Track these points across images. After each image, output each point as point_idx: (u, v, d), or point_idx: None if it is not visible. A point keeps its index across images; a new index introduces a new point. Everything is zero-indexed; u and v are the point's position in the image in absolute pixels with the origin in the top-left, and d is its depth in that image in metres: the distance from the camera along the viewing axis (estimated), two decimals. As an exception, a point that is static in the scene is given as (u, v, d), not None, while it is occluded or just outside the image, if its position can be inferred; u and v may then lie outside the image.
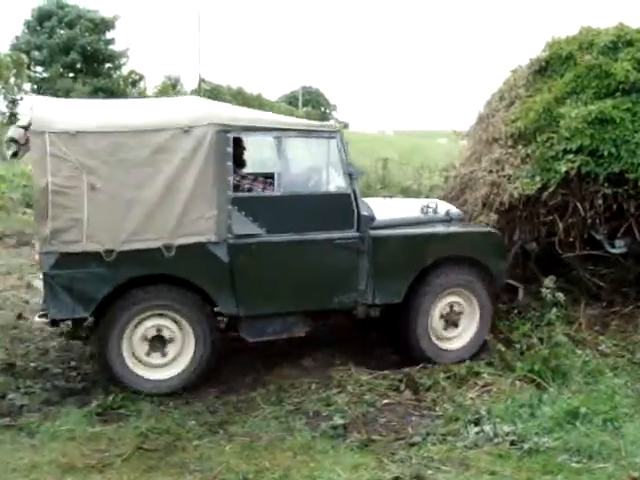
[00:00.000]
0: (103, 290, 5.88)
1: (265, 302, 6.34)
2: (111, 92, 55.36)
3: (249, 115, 6.79)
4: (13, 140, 6.18)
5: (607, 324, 7.57)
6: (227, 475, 4.68)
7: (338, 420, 5.48)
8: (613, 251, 7.82)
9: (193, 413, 5.74)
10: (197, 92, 62.58)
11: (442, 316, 6.93)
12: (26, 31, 56.37)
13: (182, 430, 5.39)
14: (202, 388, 6.26)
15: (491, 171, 8.20)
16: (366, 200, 6.89)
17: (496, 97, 9.20)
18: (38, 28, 55.35)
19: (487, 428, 5.25)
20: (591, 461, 4.78)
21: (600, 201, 7.53)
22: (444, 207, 7.44)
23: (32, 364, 6.83)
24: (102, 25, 56.41)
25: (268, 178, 6.50)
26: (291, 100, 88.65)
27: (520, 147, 8.04)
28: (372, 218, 6.56)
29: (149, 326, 6.10)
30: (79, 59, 55.36)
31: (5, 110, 53.07)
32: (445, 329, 6.96)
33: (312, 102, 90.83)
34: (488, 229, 7.40)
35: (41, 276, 5.97)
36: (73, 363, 6.89)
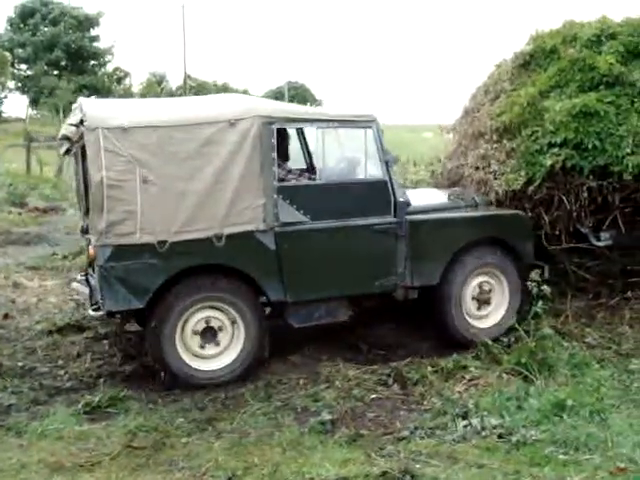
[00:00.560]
0: (157, 281, 6.04)
1: (311, 288, 6.56)
2: (96, 89, 55.16)
3: (291, 108, 7.22)
4: (66, 138, 6.39)
5: (593, 316, 7.61)
6: (216, 472, 4.67)
7: (326, 415, 5.47)
8: (598, 244, 7.86)
9: (181, 410, 5.72)
10: (183, 88, 62.50)
11: (474, 296, 7.19)
12: (9, 28, 56.01)
13: (170, 427, 5.38)
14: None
15: (477, 167, 8.22)
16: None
17: (481, 91, 9.21)
18: (21, 25, 55.03)
19: (475, 421, 5.26)
20: (578, 453, 4.79)
21: (585, 194, 7.56)
22: (470, 194, 7.77)
23: (19, 363, 6.83)
24: (86, 22, 56.13)
25: (309, 169, 6.82)
26: (277, 95, 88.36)
27: (505, 141, 8.06)
28: (408, 203, 6.83)
29: (200, 318, 6.26)
30: (63, 56, 55.09)
31: (-10, 108, 52.80)
32: (477, 308, 7.21)
33: (298, 97, 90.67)
34: (516, 212, 7.58)
35: (95, 270, 6.12)
36: (60, 362, 6.89)
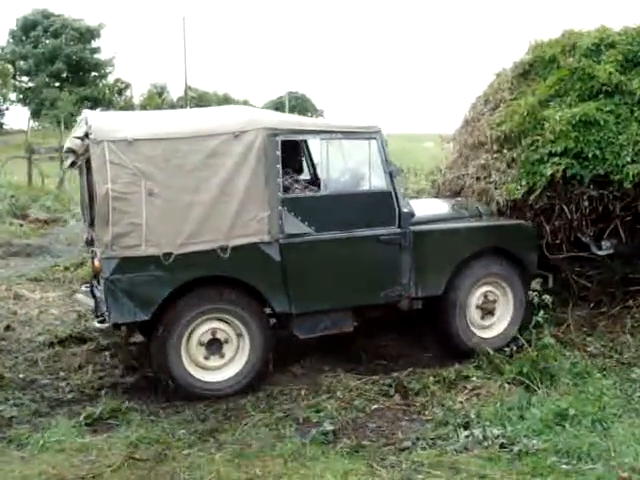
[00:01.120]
0: (162, 293, 6.05)
1: (317, 299, 6.57)
2: (97, 101, 55.30)
3: (295, 119, 7.15)
4: (71, 150, 6.41)
5: (595, 325, 7.61)
6: (218, 483, 4.67)
7: (328, 426, 5.46)
8: (599, 252, 7.86)
9: (183, 422, 5.72)
10: (183, 99, 62.64)
11: (478, 306, 7.22)
12: (11, 41, 56.22)
13: (172, 439, 5.37)
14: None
15: (478, 178, 8.23)
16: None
17: (481, 100, 9.23)
18: (23, 38, 55.24)
19: (476, 431, 5.25)
20: (580, 462, 4.78)
21: (586, 203, 7.57)
22: (474, 204, 7.81)
23: (21, 375, 6.83)
24: (87, 34, 56.33)
25: (314, 180, 6.89)
26: (278, 106, 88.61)
27: (505, 151, 8.08)
28: (412, 214, 6.83)
29: (205, 329, 6.28)
30: (65, 68, 55.26)
31: (-9, 120, 52.92)
32: (482, 318, 7.24)
33: (299, 107, 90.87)
34: (520, 222, 7.61)
35: (100, 282, 6.14)
36: (62, 374, 6.89)
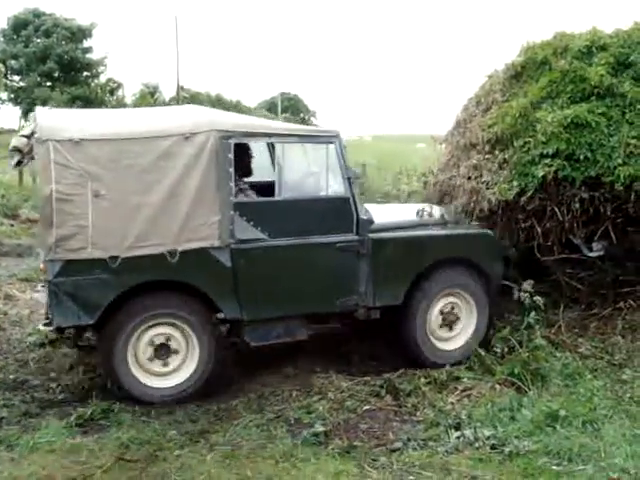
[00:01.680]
0: (108, 297, 5.92)
1: (269, 306, 6.42)
2: (88, 100, 55.12)
3: (250, 121, 6.95)
4: (17, 149, 6.30)
5: (586, 326, 7.62)
6: (208, 484, 4.66)
7: (319, 427, 5.47)
8: (590, 254, 7.88)
9: (174, 422, 5.71)
10: (176, 99, 62.51)
11: (440, 317, 7.06)
12: (2, 40, 55.99)
13: (163, 440, 5.36)
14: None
15: (470, 177, 8.24)
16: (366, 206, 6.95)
17: (473, 102, 9.24)
18: (14, 37, 55.04)
19: (468, 432, 5.27)
20: (571, 463, 4.81)
21: (577, 205, 7.58)
22: (439, 210, 7.64)
23: (11, 376, 6.80)
24: (79, 33, 56.14)
25: (269, 185, 6.58)
26: (270, 106, 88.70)
27: (497, 152, 8.08)
28: (371, 221, 6.65)
29: (153, 334, 6.15)
30: (56, 68, 55.08)
31: (-18, 119, 52.62)
32: (443, 330, 7.08)
33: (291, 108, 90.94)
34: (484, 231, 7.50)
35: (45, 285, 6.04)
36: (53, 374, 6.85)
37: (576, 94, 7.86)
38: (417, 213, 7.47)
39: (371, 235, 6.65)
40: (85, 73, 58.22)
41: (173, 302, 6.17)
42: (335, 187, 6.60)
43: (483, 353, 6.72)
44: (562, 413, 5.39)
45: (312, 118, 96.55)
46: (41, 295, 7.16)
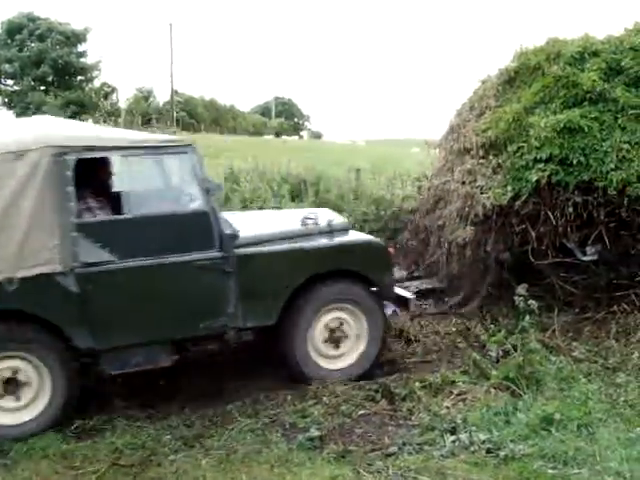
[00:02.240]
0: None
1: (124, 333, 5.91)
2: (82, 105, 55.10)
3: (91, 134, 6.41)
4: None
5: (580, 330, 7.63)
6: (204, 489, 4.66)
7: (314, 432, 5.46)
8: (584, 258, 7.90)
9: (168, 427, 5.69)
10: (170, 104, 62.56)
11: (325, 335, 6.60)
12: (-4, 44, 55.94)
13: (157, 445, 5.35)
14: (177, 401, 6.24)
15: (464, 182, 8.27)
16: (246, 214, 6.91)
17: (466, 107, 9.28)
18: (9, 41, 55.02)
19: (463, 436, 5.26)
20: (566, 467, 4.80)
21: (570, 209, 7.61)
22: (326, 217, 6.98)
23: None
24: (73, 38, 56.19)
25: (116, 202, 6.06)
26: (264, 111, 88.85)
27: (491, 157, 8.12)
28: (235, 236, 6.13)
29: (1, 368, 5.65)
30: (50, 72, 55.11)
31: (-25, 124, 52.69)
32: (330, 348, 6.63)
33: (285, 113, 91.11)
34: (369, 239, 7.04)
35: None
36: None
37: (569, 99, 7.92)
38: (302, 221, 6.81)
39: (237, 251, 6.14)
40: (79, 77, 58.28)
41: (17, 334, 5.64)
42: (192, 201, 6.14)
43: (478, 357, 6.71)
44: (557, 417, 5.39)
45: (306, 122, 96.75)
46: None
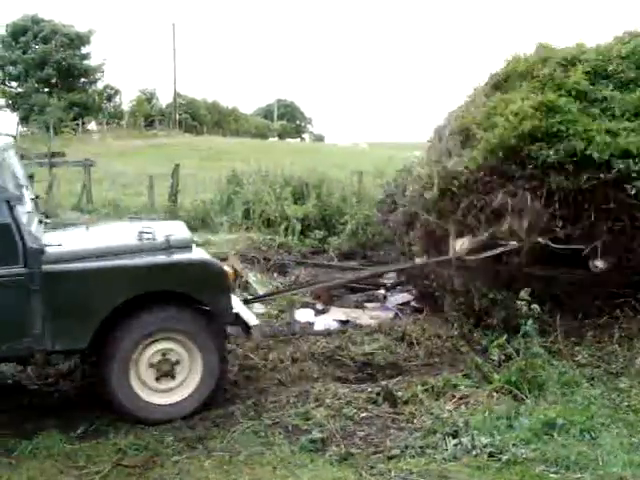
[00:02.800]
0: None
1: None
2: (86, 107, 55.23)
3: None
4: None
5: (583, 335, 7.62)
6: (207, 490, 4.67)
7: (317, 434, 5.47)
8: (596, 270, 7.81)
9: (171, 429, 5.69)
10: (173, 106, 62.62)
11: (152, 365, 5.90)
12: (0, 46, 56.12)
13: (161, 446, 5.36)
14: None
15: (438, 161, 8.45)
16: (84, 228, 6.77)
17: (457, 111, 9.23)
18: (13, 43, 55.16)
19: (465, 440, 5.26)
20: (569, 471, 4.81)
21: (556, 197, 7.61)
22: (166, 232, 6.23)
23: (9, 381, 6.78)
24: (77, 40, 56.33)
25: None
26: (267, 113, 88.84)
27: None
28: (40, 251, 5.56)
29: None
30: (54, 74, 55.26)
31: (-21, 125, 52.74)
32: (158, 380, 5.93)
33: (287, 115, 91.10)
34: (203, 259, 6.23)
35: None
36: (50, 380, 6.84)
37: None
38: (138, 236, 6.12)
39: (45, 267, 5.55)
40: (83, 79, 58.42)
41: None
42: None
43: (480, 361, 6.72)
44: (559, 421, 5.39)
45: (308, 125, 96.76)
46: None
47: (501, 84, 8.77)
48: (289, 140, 67.55)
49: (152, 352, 5.86)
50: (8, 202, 5.49)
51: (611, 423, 5.55)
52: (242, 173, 16.50)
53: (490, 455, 5.07)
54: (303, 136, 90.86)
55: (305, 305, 9.57)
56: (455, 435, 5.38)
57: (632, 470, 4.76)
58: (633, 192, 7.29)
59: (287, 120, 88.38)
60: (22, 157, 24.24)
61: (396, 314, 9.03)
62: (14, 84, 56.46)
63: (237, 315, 6.25)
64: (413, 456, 5.15)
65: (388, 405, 6.09)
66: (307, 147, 50.05)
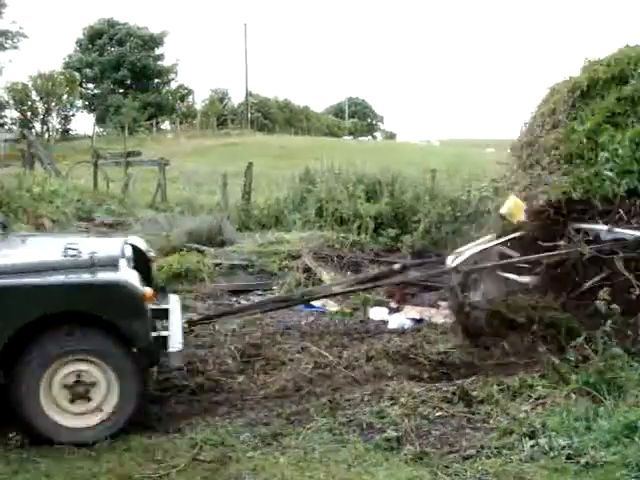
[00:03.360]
0: None
1: None
2: (160, 107, 56.25)
3: None
4: None
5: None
6: (282, 487, 4.71)
7: (391, 432, 5.44)
8: None
9: (247, 425, 5.76)
10: (244, 105, 63.24)
11: (66, 386, 5.57)
12: (78, 49, 57.71)
13: (236, 442, 5.42)
14: (255, 400, 6.34)
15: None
16: (14, 242, 6.58)
17: (537, 121, 9.06)
18: (89, 46, 56.61)
19: (542, 441, 5.17)
20: (650, 476, 4.70)
21: None
22: (95, 248, 5.95)
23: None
24: (151, 42, 57.46)
25: None
26: (337, 112, 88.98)
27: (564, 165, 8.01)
28: None
29: None
30: (129, 75, 56.51)
31: (58, 126, 54.35)
32: (73, 402, 5.60)
33: (358, 113, 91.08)
34: (116, 280, 5.72)
35: None
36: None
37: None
38: (64, 252, 5.90)
39: None
40: (156, 80, 59.58)
41: None
42: None
43: (557, 361, 6.59)
44: (640, 424, 5.27)
45: (379, 123, 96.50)
46: None
47: (583, 92, 8.49)
48: (361, 138, 67.43)
49: (65, 373, 5.54)
50: None
51: (694, 426, 5.39)
52: (315, 171, 16.57)
53: (568, 457, 4.97)
54: (375, 134, 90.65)
55: (379, 303, 9.56)
56: (532, 436, 5.30)
57: None
58: None
59: (358, 118, 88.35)
60: (99, 157, 24.96)
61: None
62: (90, 86, 57.87)
63: (157, 338, 5.84)
64: (489, 456, 5.09)
65: (463, 405, 6.03)
66: (379, 145, 49.93)
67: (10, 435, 5.41)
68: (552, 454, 5.04)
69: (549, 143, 8.29)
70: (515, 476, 4.79)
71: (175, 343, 5.90)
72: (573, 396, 5.99)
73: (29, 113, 51.08)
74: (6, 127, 50.16)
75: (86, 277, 5.65)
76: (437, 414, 5.85)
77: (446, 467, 4.97)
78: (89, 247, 5.95)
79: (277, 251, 12.08)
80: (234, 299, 10.37)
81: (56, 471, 4.99)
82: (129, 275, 5.78)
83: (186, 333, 7.59)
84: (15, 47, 48.14)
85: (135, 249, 6.74)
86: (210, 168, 26.75)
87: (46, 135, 50.49)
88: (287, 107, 73.88)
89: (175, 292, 10.27)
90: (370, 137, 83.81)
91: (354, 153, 22.50)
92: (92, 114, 57.55)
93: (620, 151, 7.49)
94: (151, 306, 5.91)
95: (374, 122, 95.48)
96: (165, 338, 5.91)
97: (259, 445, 5.39)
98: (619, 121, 7.82)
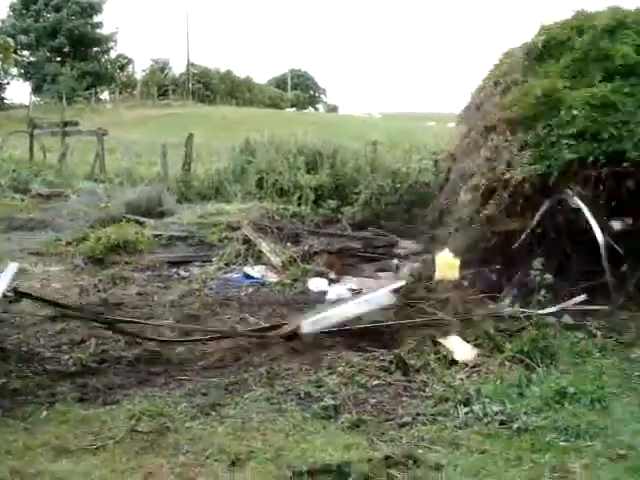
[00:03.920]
0: None
1: None
2: (98, 76, 55.10)
3: None
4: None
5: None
6: (219, 456, 4.70)
7: (329, 401, 5.49)
8: (615, 229, 7.78)
9: (185, 395, 5.74)
10: (186, 75, 62.39)
11: None
12: (12, 14, 55.91)
13: (174, 412, 5.39)
14: (194, 370, 6.30)
15: (489, 159, 8.20)
16: None
17: (490, 82, 9.17)
18: (24, 12, 54.91)
19: (476, 408, 5.29)
20: (579, 440, 4.83)
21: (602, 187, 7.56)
22: None
23: (24, 348, 6.83)
24: (89, 9, 56.06)
25: None
26: (280, 83, 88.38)
27: (519, 134, 8.03)
28: None
29: None
30: (66, 43, 55.08)
31: (-8, 94, 52.80)
32: None
33: (301, 85, 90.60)
34: None
35: None
36: (65, 347, 6.89)
37: (599, 73, 7.80)
38: None
39: None
40: (95, 48, 58.26)
41: None
42: None
43: (492, 330, 6.72)
44: (570, 390, 5.41)
45: (322, 95, 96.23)
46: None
47: (539, 54, 8.61)
48: (304, 111, 67.15)
49: None
50: None
51: (621, 392, 5.58)
52: (255, 142, 16.46)
53: (501, 423, 5.10)
54: (317, 106, 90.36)
55: (319, 274, 9.60)
56: (467, 403, 5.41)
57: (642, 439, 4.78)
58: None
59: (301, 90, 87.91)
60: (35, 126, 24.39)
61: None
62: (26, 53, 56.28)
63: None
64: (425, 423, 5.18)
65: (400, 373, 6.12)
66: (321, 117, 49.80)
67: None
68: (486, 420, 5.16)
69: (504, 104, 8.35)
70: (450, 442, 4.87)
71: None
72: (507, 364, 6.14)
73: (-39, 81, 49.61)
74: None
75: None
76: (374, 383, 5.93)
77: (382, 434, 5.04)
78: None
79: (217, 222, 12.00)
80: (173, 270, 10.30)
81: (-10, 444, 4.90)
82: None
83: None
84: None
85: None
86: (150, 139, 26.39)
87: (-21, 103, 49.07)
88: (229, 78, 73.07)
89: (114, 263, 10.22)
90: (312, 109, 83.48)
91: (296, 125, 22.39)
92: (28, 83, 56.08)
93: (575, 112, 7.57)
94: None
95: (317, 94, 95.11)
96: None
97: (197, 415, 5.37)
98: (574, 83, 7.92)
